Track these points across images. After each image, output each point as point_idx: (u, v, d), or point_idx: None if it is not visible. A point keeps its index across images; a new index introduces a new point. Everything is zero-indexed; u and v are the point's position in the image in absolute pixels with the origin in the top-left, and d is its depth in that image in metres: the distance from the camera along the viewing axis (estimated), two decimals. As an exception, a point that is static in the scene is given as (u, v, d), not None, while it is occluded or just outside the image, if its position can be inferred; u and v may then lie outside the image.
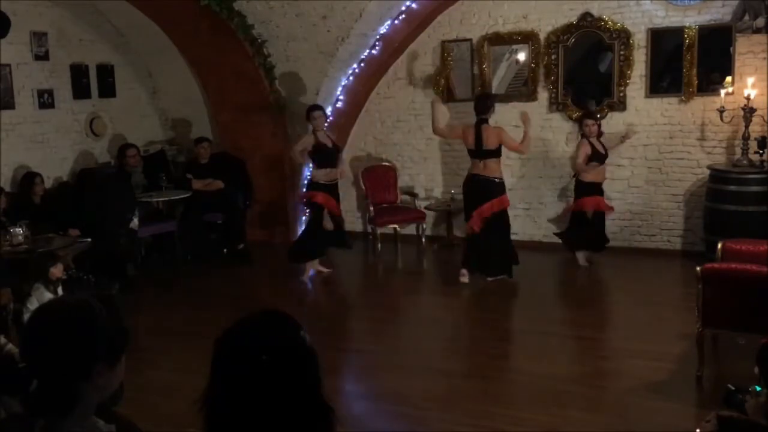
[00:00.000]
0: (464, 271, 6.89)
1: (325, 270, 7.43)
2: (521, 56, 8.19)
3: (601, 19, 7.69)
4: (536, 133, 8.19)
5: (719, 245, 5.11)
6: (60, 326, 1.61)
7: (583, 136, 7.15)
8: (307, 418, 1.47)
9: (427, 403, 4.60)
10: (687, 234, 7.72)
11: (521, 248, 7.20)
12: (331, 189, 7.23)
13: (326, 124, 7.41)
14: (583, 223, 7.27)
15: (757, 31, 7.05)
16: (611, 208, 7.45)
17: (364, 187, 8.74)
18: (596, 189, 7.21)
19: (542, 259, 7.76)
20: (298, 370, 1.47)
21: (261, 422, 1.44)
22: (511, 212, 8.35)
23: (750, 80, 7.02)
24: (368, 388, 4.98)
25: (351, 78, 8.27)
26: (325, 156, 7.13)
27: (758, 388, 2.72)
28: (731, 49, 7.22)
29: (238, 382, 1.45)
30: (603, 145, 7.19)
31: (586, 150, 7.05)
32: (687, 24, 7.37)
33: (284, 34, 8.06)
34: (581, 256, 7.39)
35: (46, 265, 5.49)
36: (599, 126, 7.21)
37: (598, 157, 7.11)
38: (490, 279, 6.87)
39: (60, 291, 5.46)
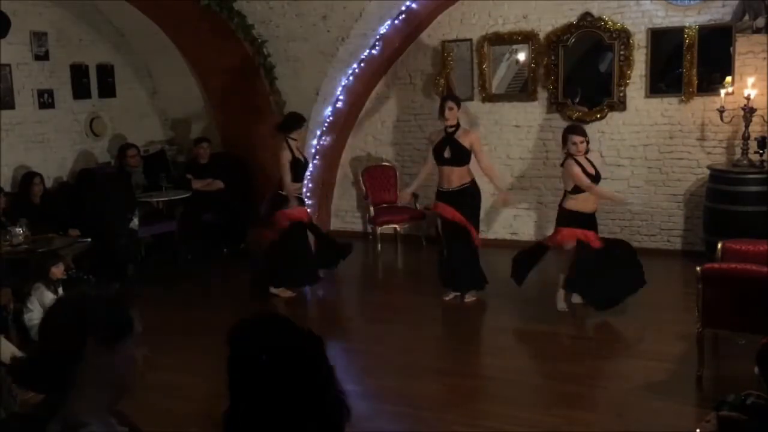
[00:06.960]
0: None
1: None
2: (521, 56, 8.19)
3: (601, 19, 7.68)
4: (536, 134, 8.24)
5: (719, 245, 5.11)
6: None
7: (569, 155, 5.90)
8: (313, 417, 1.48)
9: (427, 403, 4.61)
10: (687, 234, 7.72)
11: (521, 248, 7.18)
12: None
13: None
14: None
15: (757, 31, 7.04)
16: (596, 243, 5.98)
17: (364, 187, 8.75)
18: (579, 220, 5.98)
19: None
20: (306, 370, 1.49)
21: (271, 423, 1.45)
22: (511, 212, 8.41)
23: (750, 80, 7.02)
24: (368, 388, 4.97)
25: (351, 78, 8.27)
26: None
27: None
28: (731, 49, 7.22)
29: (250, 388, 1.46)
30: (592, 165, 5.96)
31: (578, 170, 5.84)
32: (687, 24, 7.37)
33: (284, 34, 8.05)
34: (560, 297, 6.21)
35: (47, 264, 5.50)
36: (587, 143, 5.97)
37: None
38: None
39: (60, 291, 5.47)
